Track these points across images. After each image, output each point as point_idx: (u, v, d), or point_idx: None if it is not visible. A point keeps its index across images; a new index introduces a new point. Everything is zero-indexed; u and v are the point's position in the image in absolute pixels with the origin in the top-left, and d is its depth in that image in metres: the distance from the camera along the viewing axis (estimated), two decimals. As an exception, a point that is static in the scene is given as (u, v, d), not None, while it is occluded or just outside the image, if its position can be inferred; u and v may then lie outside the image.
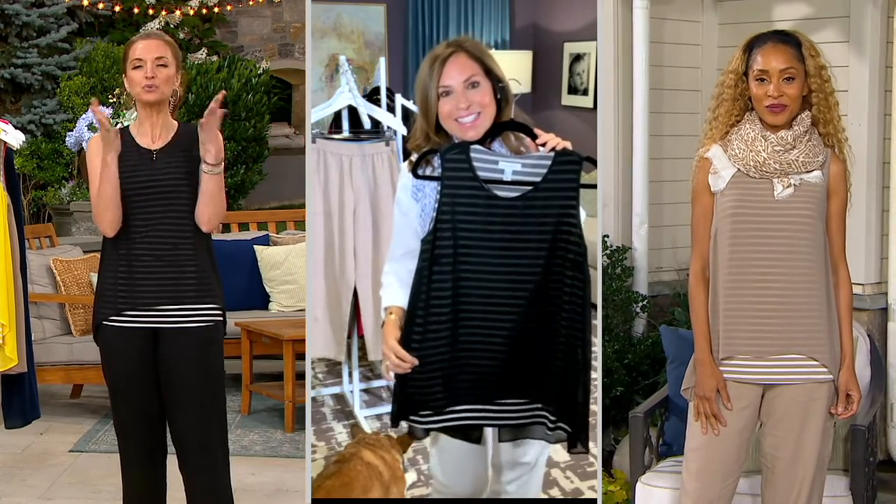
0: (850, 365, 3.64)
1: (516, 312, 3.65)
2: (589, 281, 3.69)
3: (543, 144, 3.66)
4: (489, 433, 3.86)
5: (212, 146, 3.89)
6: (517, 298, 3.65)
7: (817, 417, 3.62)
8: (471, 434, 3.80)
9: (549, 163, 3.64)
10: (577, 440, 3.77)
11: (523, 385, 3.73)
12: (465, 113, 3.59)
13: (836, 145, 3.65)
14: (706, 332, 3.69)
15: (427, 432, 3.80)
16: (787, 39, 3.62)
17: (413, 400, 3.71)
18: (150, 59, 3.95)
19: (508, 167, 3.63)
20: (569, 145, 3.69)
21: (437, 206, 3.61)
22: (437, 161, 3.62)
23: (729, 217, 3.63)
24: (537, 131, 3.69)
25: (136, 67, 3.96)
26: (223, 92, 3.98)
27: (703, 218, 3.71)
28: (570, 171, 3.64)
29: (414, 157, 3.70)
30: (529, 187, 3.63)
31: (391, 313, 3.71)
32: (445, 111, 3.61)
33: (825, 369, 3.61)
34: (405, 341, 3.64)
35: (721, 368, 3.65)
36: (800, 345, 3.60)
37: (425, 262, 3.61)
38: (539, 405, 3.74)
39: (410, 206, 3.70)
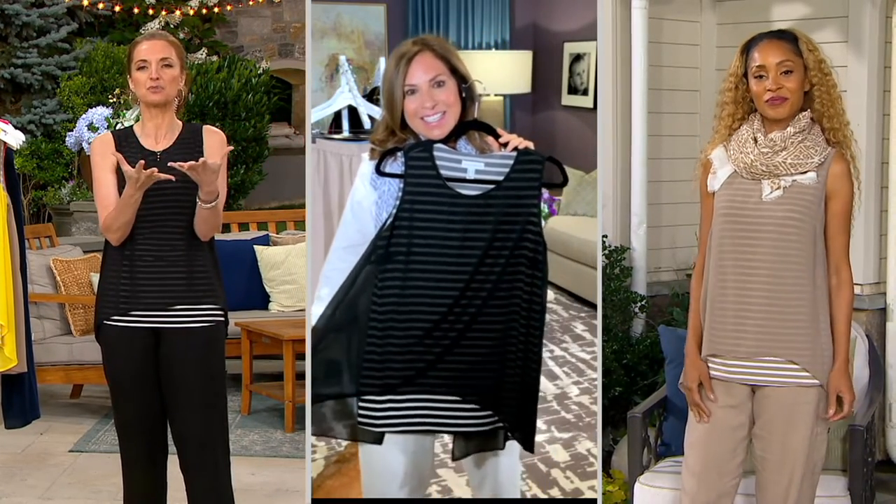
0: (843, 367, 3.61)
1: (470, 312, 3.66)
2: (546, 278, 3.72)
3: (506, 144, 3.69)
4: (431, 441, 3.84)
5: (205, 187, 3.85)
6: (474, 297, 3.66)
7: (803, 422, 3.60)
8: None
9: (511, 162, 3.68)
10: (528, 443, 3.80)
11: (478, 387, 3.71)
12: (431, 112, 3.63)
13: (842, 142, 3.62)
14: (696, 326, 3.75)
15: (375, 437, 3.74)
16: (784, 35, 3.64)
17: (365, 384, 3.69)
18: (154, 59, 3.94)
19: (472, 166, 3.67)
20: (531, 145, 3.72)
21: (397, 202, 3.63)
22: (400, 158, 3.64)
23: (720, 217, 3.66)
24: (500, 131, 3.73)
25: (140, 68, 3.96)
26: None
27: (706, 218, 3.76)
28: (532, 170, 3.68)
29: (375, 148, 3.73)
30: (492, 185, 3.66)
31: None
32: (411, 109, 3.64)
33: (806, 374, 3.59)
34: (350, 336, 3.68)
35: (709, 365, 3.69)
36: (780, 348, 3.60)
37: (378, 259, 3.62)
38: (495, 416, 3.73)
39: (366, 195, 3.71)
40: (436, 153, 3.64)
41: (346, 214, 3.79)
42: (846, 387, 3.61)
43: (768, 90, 3.57)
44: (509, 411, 3.74)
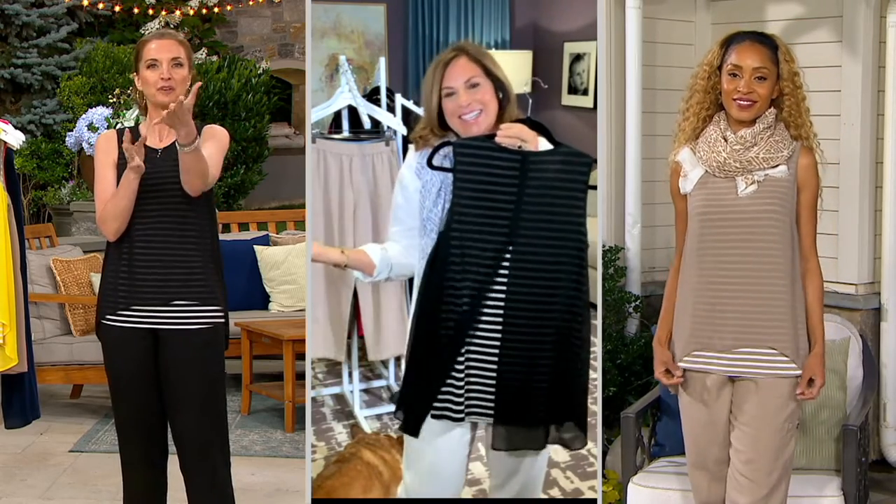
0: (819, 353, 3.70)
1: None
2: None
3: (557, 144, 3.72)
4: (472, 435, 3.81)
5: (182, 129, 3.76)
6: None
7: (777, 414, 3.66)
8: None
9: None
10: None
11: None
12: (467, 110, 3.70)
13: (807, 148, 3.72)
14: (667, 319, 3.84)
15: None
16: (765, 41, 3.70)
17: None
18: (165, 59, 3.94)
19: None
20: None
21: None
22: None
23: (697, 216, 3.73)
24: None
25: (150, 66, 3.96)
26: (198, 84, 3.87)
27: (679, 219, 3.85)
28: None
29: (420, 144, 3.79)
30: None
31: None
32: (450, 110, 3.73)
33: (785, 359, 3.66)
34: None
35: (687, 359, 3.76)
36: (763, 337, 3.66)
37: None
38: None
39: (411, 181, 3.77)
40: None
41: (395, 199, 3.84)
42: (820, 372, 3.69)
43: (738, 90, 3.65)
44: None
